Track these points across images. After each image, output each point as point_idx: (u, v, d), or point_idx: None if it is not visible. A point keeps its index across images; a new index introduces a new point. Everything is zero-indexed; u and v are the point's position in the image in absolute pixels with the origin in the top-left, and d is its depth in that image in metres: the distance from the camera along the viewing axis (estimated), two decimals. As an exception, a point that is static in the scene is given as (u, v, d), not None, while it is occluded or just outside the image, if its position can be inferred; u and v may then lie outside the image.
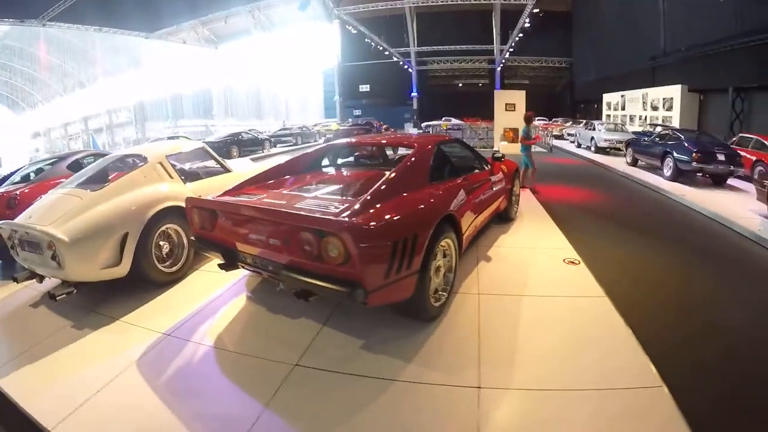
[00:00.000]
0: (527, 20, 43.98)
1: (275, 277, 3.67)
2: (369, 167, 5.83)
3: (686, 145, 12.44)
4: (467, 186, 5.07)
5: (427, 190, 4.29)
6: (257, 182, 4.95)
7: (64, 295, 4.40)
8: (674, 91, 23.54)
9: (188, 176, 6.10)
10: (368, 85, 55.71)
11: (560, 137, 29.13)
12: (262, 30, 53.20)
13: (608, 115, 32.40)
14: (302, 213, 3.51)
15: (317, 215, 3.35)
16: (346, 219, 3.18)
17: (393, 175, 4.09)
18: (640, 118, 27.42)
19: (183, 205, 4.87)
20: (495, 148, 17.78)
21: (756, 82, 18.73)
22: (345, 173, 5.44)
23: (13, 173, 8.07)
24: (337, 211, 3.42)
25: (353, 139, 7.07)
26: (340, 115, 53.21)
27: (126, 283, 4.84)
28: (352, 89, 55.90)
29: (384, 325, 3.89)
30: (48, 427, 2.83)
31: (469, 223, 4.99)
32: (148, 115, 52.08)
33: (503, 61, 51.47)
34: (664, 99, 24.77)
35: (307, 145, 30.07)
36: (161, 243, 5.12)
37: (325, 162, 6.04)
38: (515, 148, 13.65)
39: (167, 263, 5.19)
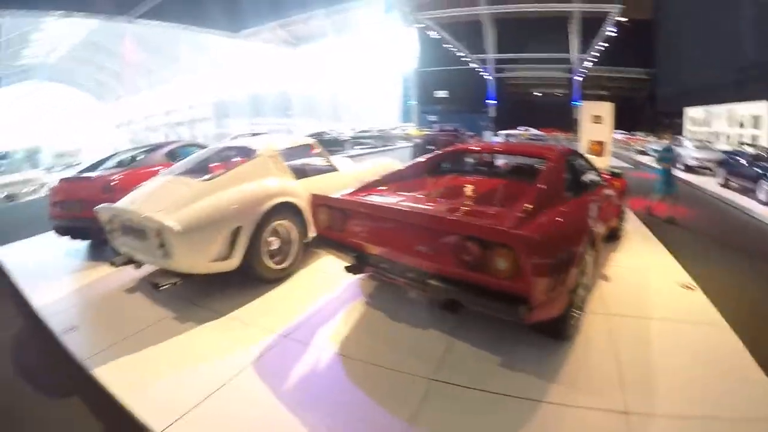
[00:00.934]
0: (611, 28, 46.42)
1: (415, 286, 3.58)
2: (494, 175, 5.60)
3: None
4: (595, 201, 4.95)
5: (570, 203, 4.21)
6: (382, 184, 4.87)
7: (168, 286, 4.39)
8: (763, 108, 24.34)
9: (296, 172, 6.06)
10: (445, 91, 58.49)
11: (643, 152, 28.00)
12: (339, 33, 58.41)
13: (690, 131, 32.92)
14: (469, 221, 3.45)
15: (487, 224, 3.27)
16: (521, 231, 3.08)
17: (543, 186, 3.99)
18: (728, 137, 27.53)
19: (295, 201, 5.33)
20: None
21: None
22: (476, 180, 5.06)
23: (105, 159, 8.37)
24: (504, 221, 3.34)
25: (475, 146, 7.22)
26: (416, 119, 56.00)
27: (226, 276, 4.90)
28: (428, 95, 58.89)
29: (517, 341, 3.81)
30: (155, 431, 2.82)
31: (598, 239, 4.83)
32: (227, 112, 57.49)
33: (584, 70, 52.89)
34: (752, 116, 25.57)
35: (386, 148, 32.09)
36: (270, 239, 5.19)
37: (446, 167, 5.93)
38: (602, 162, 13.64)
39: (275, 260, 5.24)
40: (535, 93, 59.00)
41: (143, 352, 3.88)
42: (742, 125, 27.04)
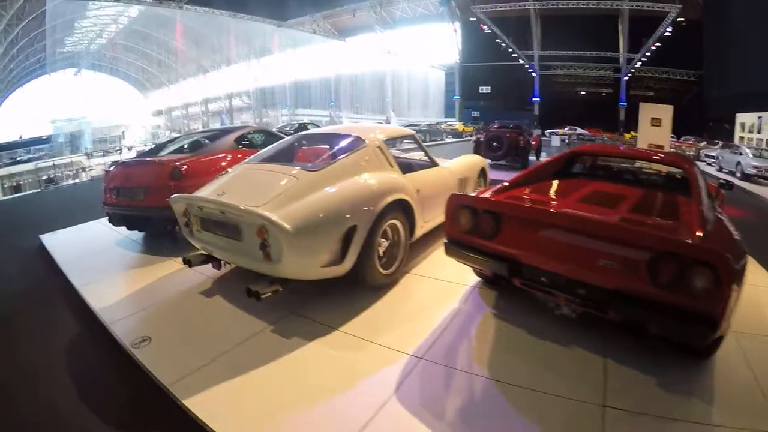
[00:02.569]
0: (668, 29, 46.00)
1: (585, 304, 3.30)
2: (629, 183, 5.24)
3: None
4: (723, 215, 4.49)
5: (719, 219, 3.91)
6: (519, 185, 4.52)
7: (269, 294, 3.83)
8: None
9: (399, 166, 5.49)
10: (489, 87, 58.61)
11: (697, 159, 26.62)
12: (384, 26, 58.57)
13: (741, 137, 30.80)
14: (668, 236, 3.14)
15: (690, 241, 3.02)
16: (721, 250, 2.85)
17: (701, 200, 3.81)
18: None
19: (407, 198, 4.83)
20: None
21: None
22: (616, 188, 4.72)
23: (165, 144, 7.82)
24: (693, 237, 3.10)
25: (604, 149, 7.02)
26: (459, 115, 56.81)
27: (322, 281, 4.20)
28: (472, 90, 59.18)
29: (659, 359, 3.49)
30: None
31: None
32: (267, 102, 57.40)
33: (632, 70, 52.33)
34: None
35: (434, 142, 31.80)
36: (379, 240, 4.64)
37: (574, 170, 5.69)
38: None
39: (381, 263, 4.63)
40: (581, 92, 57.88)
41: (246, 378, 3.20)
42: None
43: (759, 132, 29.40)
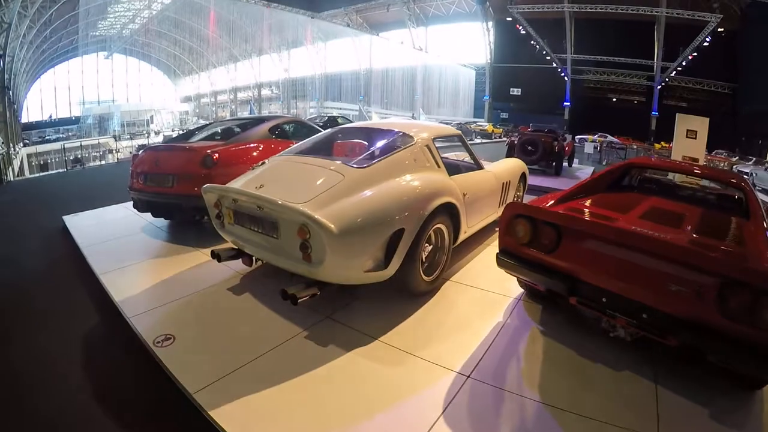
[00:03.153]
0: (707, 38, 44.32)
1: (650, 330, 3.10)
2: (685, 200, 4.88)
3: None
4: None
5: None
6: (572, 198, 4.35)
7: (306, 298, 3.56)
8: None
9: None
10: (519, 89, 57.35)
11: None
12: (416, 23, 58.41)
13: None
14: (751, 265, 2.91)
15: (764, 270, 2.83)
16: None
17: (766, 224, 3.77)
18: None
19: (455, 202, 4.56)
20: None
21: None
22: (674, 205, 4.44)
23: (196, 130, 7.58)
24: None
25: (658, 163, 6.82)
26: (488, 116, 56.19)
27: (356, 286, 4.07)
28: (502, 91, 58.11)
29: (707, 387, 3.23)
30: None
31: None
32: (296, 93, 57.54)
33: (666, 79, 50.37)
34: None
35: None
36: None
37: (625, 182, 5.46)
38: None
39: (423, 269, 4.33)
40: (612, 99, 56.34)
41: (279, 390, 2.92)
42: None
43: None
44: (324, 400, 2.85)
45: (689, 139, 18.74)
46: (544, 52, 52.82)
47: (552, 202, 4.01)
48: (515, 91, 57.66)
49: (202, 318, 3.90)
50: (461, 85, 62.30)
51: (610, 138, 39.39)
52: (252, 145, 6.30)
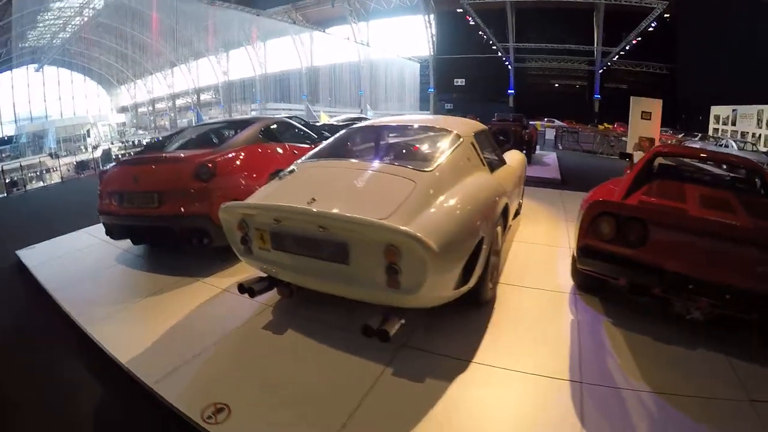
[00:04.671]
0: (653, 23, 46.20)
1: (724, 308, 3.27)
2: (717, 185, 5.02)
3: None
4: None
5: None
6: (634, 190, 4.20)
7: (395, 330, 3.00)
8: None
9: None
10: (463, 80, 57.86)
11: None
12: (357, 18, 57.68)
13: (715, 129, 32.78)
14: None
15: None
16: None
17: None
18: (753, 136, 27.33)
19: (508, 202, 4.29)
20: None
21: None
22: (710, 189, 4.50)
23: (170, 137, 6.66)
24: None
25: (687, 149, 7.04)
26: (433, 107, 56.02)
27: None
28: (446, 83, 58.48)
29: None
30: None
31: None
32: (236, 96, 55.30)
33: (608, 64, 52.73)
34: None
35: None
36: None
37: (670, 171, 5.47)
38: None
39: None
40: (554, 84, 57.67)
41: None
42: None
43: (734, 124, 30.69)
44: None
45: (644, 120, 19.46)
46: (491, 42, 53.53)
47: (622, 196, 3.97)
48: (459, 82, 58.16)
49: (250, 371, 3.07)
50: (406, 79, 61.67)
51: (557, 122, 39.82)
52: (245, 151, 5.42)
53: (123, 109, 63.76)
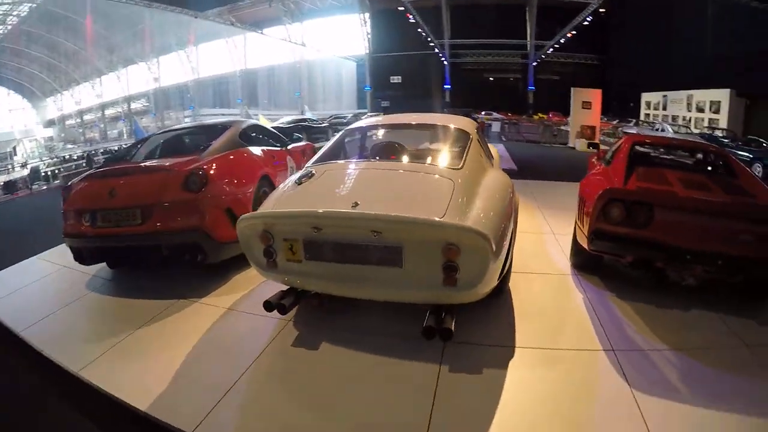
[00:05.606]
0: (588, 17, 47.37)
1: (716, 273, 3.78)
2: (690, 169, 5.61)
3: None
4: None
5: None
6: (630, 177, 4.53)
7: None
8: (722, 95, 25.32)
9: None
10: (399, 77, 57.73)
11: (615, 135, 25.07)
12: (292, 18, 56.64)
13: (647, 114, 33.87)
14: None
15: None
16: None
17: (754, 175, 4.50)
18: (684, 119, 28.35)
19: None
20: (570, 145, 20.54)
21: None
22: (682, 173, 4.96)
23: (135, 146, 6.11)
24: None
25: (656, 137, 7.31)
26: (370, 106, 55.37)
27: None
28: (382, 80, 58.16)
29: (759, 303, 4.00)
30: None
31: None
32: (169, 103, 53.76)
33: (542, 56, 54.26)
34: (711, 102, 26.29)
35: None
36: None
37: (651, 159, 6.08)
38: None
39: None
40: (490, 78, 58.90)
41: None
42: (701, 110, 27.48)
43: (664, 109, 31.87)
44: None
45: (585, 110, 20.52)
46: (429, 39, 53.73)
47: (623, 183, 4.35)
48: (395, 79, 58.17)
49: (302, 397, 2.76)
50: (343, 78, 62.08)
51: (495, 114, 40.32)
52: (231, 157, 5.08)
53: (50, 123, 60.66)
